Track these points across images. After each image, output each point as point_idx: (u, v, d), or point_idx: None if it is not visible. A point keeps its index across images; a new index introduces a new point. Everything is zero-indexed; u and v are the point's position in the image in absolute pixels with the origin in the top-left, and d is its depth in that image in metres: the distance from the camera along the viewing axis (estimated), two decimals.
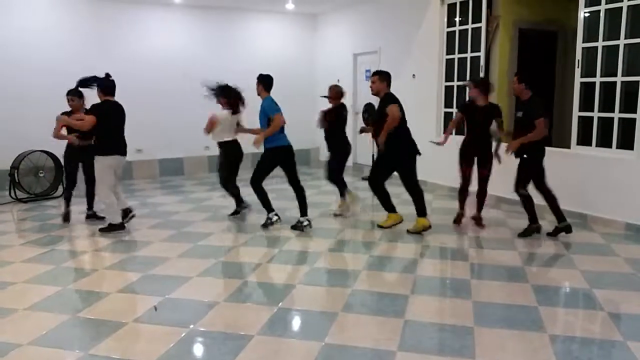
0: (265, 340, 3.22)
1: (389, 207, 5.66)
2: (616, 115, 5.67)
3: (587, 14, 5.97)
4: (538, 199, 5.31)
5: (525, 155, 5.16)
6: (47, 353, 3.12)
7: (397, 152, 5.47)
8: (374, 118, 5.87)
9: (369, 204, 7.00)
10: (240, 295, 3.99)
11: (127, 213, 5.86)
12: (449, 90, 7.94)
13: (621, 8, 5.54)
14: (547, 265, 4.81)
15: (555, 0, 7.55)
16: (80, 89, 5.88)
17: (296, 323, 3.57)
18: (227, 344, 3.17)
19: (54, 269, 4.61)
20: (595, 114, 5.90)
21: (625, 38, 5.53)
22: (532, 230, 5.33)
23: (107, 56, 8.70)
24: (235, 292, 4.04)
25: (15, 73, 8.31)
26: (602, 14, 5.74)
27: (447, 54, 7.89)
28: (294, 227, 5.76)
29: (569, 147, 6.22)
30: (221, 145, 6.20)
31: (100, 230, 5.78)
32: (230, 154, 6.22)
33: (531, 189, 5.25)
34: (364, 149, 9.43)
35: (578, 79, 6.06)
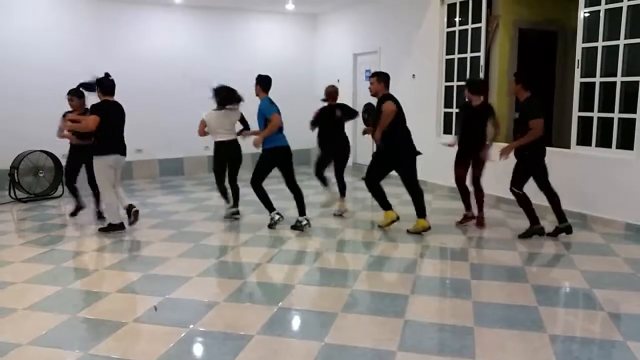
0: (265, 340, 3.21)
1: (385, 204, 5.66)
2: (616, 115, 5.67)
3: (587, 14, 5.97)
4: (538, 200, 5.31)
5: (526, 153, 5.15)
6: (47, 353, 3.12)
7: (397, 153, 5.47)
8: (373, 118, 5.88)
9: (368, 204, 7.00)
10: (240, 295, 3.99)
11: (129, 210, 5.74)
12: (449, 90, 7.94)
13: (621, 8, 5.54)
14: (547, 265, 4.81)
15: (555, 0, 7.55)
16: (82, 89, 5.90)
17: (296, 323, 3.57)
18: (227, 344, 3.17)
19: (53, 269, 4.61)
20: (595, 114, 5.90)
21: (625, 38, 5.53)
22: (533, 231, 5.27)
23: (107, 56, 8.70)
24: (235, 292, 4.04)
25: (15, 73, 8.31)
26: (602, 14, 5.74)
27: (447, 54, 7.89)
28: (293, 227, 5.77)
29: (568, 147, 6.22)
30: (215, 144, 6.22)
31: (100, 230, 5.78)
32: (219, 153, 6.20)
33: (531, 191, 5.24)
34: (364, 149, 9.43)
35: (578, 79, 6.07)
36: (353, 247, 5.29)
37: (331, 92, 6.44)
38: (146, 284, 4.24)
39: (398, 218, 5.65)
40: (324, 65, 10.85)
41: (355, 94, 9.89)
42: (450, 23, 7.81)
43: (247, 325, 3.41)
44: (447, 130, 7.92)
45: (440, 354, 3.02)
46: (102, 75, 5.57)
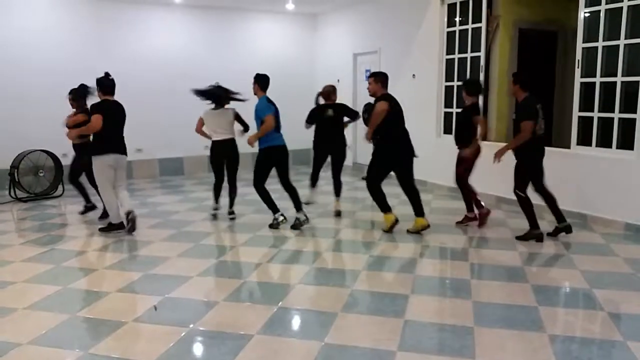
0: (265, 340, 3.21)
1: (384, 207, 5.63)
2: (616, 115, 5.67)
3: (587, 14, 5.97)
4: (537, 199, 5.30)
5: (523, 153, 5.15)
6: (47, 352, 3.12)
7: (395, 153, 5.48)
8: None
9: (368, 204, 7.00)
10: (240, 295, 3.99)
11: (127, 215, 5.65)
12: (449, 90, 7.94)
13: (621, 8, 5.54)
14: (547, 265, 4.80)
15: (555, 0, 7.55)
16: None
17: (296, 323, 3.57)
18: (227, 344, 3.17)
19: (53, 269, 4.61)
20: (595, 114, 5.90)
21: (625, 38, 5.53)
22: (532, 236, 5.22)
23: (107, 56, 8.70)
24: (235, 291, 4.04)
25: (15, 73, 8.31)
26: (602, 14, 5.74)
27: (447, 54, 7.89)
28: (293, 227, 5.77)
29: (569, 147, 6.22)
30: (211, 143, 6.24)
31: (100, 230, 5.78)
32: (214, 152, 6.26)
33: (530, 192, 5.24)
34: (364, 149, 9.43)
35: (578, 79, 6.06)
36: (353, 247, 5.29)
37: (325, 92, 6.50)
38: (146, 284, 4.24)
39: (397, 221, 5.61)
40: (324, 65, 10.85)
41: (355, 94, 9.89)
42: (451, 23, 7.81)
43: (247, 325, 3.41)
44: (447, 130, 7.92)
45: (440, 353, 3.02)
46: (102, 75, 5.58)
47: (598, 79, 5.85)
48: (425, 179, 8.08)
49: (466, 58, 7.54)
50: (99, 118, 5.34)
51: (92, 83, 5.68)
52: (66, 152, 6.40)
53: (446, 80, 7.95)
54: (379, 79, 5.52)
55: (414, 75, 8.43)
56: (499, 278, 4.32)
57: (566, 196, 5.71)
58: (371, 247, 5.22)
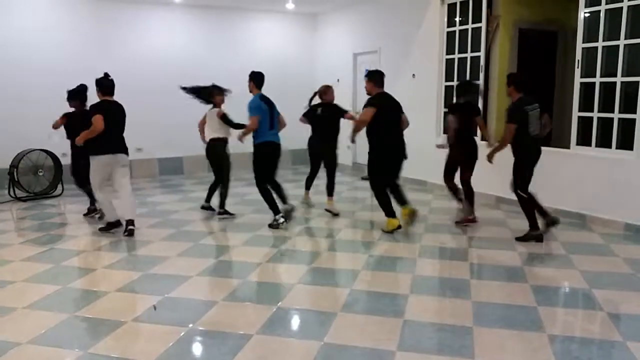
0: (265, 340, 3.21)
1: (389, 211, 5.59)
2: (616, 115, 5.67)
3: (587, 14, 5.97)
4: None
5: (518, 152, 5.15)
6: (47, 352, 3.12)
7: (399, 155, 5.50)
8: None
9: (368, 204, 7.00)
10: (239, 295, 3.99)
11: (127, 224, 5.61)
12: (449, 90, 7.93)
13: (621, 8, 5.54)
14: (547, 265, 4.80)
15: (555, 0, 7.55)
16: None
17: (295, 322, 3.57)
18: (227, 344, 3.17)
19: (53, 268, 4.61)
20: (595, 114, 5.89)
21: (625, 38, 5.53)
22: (531, 237, 5.20)
23: (107, 56, 8.70)
24: (234, 291, 4.04)
25: (15, 73, 8.31)
26: (602, 14, 5.74)
27: (447, 54, 7.88)
28: (285, 217, 5.85)
29: (568, 147, 6.22)
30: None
31: (100, 229, 5.78)
32: (206, 152, 6.33)
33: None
34: (364, 148, 9.41)
35: (578, 79, 6.06)
36: (352, 247, 5.29)
37: (318, 91, 6.56)
38: (145, 283, 4.24)
39: (400, 227, 5.53)
40: (324, 65, 10.85)
41: (355, 94, 9.88)
42: (451, 23, 7.81)
43: (246, 325, 3.41)
44: (447, 130, 7.91)
45: (439, 353, 3.02)
46: (101, 75, 5.57)
47: (598, 79, 5.85)
48: (425, 179, 8.08)
49: (466, 58, 7.54)
50: (100, 118, 5.33)
51: (91, 83, 5.67)
52: (65, 152, 6.39)
53: (446, 80, 7.95)
54: (371, 77, 5.54)
55: (413, 75, 8.43)
56: (498, 278, 4.32)
57: (565, 196, 5.72)
58: (371, 246, 5.22)
